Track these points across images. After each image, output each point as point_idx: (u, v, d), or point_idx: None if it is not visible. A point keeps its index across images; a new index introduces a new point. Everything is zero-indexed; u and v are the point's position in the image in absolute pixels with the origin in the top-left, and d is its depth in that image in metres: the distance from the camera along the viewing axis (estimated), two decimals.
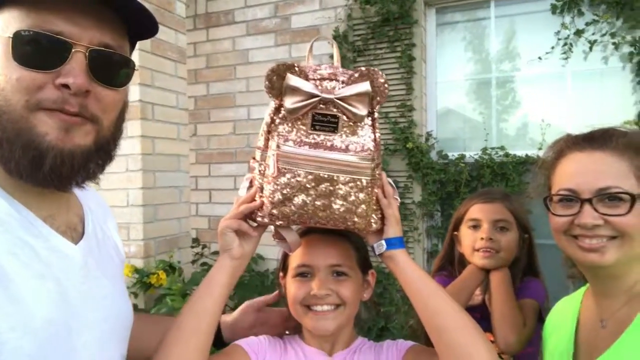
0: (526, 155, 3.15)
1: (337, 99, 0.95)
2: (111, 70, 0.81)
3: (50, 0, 0.75)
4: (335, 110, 0.96)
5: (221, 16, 3.98)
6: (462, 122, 3.60)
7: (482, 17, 3.48)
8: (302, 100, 0.95)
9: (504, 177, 3.17)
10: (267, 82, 0.98)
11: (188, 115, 3.26)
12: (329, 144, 0.96)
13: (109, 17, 0.79)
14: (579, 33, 3.12)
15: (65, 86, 0.75)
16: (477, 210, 1.59)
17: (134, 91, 2.70)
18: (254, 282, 3.43)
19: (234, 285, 1.03)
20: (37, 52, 0.74)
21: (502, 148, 3.26)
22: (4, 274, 0.71)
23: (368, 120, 0.99)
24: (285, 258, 1.17)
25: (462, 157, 3.33)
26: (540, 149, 3.11)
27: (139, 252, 2.76)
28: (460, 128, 3.60)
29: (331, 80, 0.97)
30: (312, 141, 0.96)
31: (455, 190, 3.28)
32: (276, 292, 1.27)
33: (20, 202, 0.78)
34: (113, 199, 2.75)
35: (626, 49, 3.05)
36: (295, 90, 0.95)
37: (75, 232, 0.88)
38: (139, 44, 0.95)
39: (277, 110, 0.99)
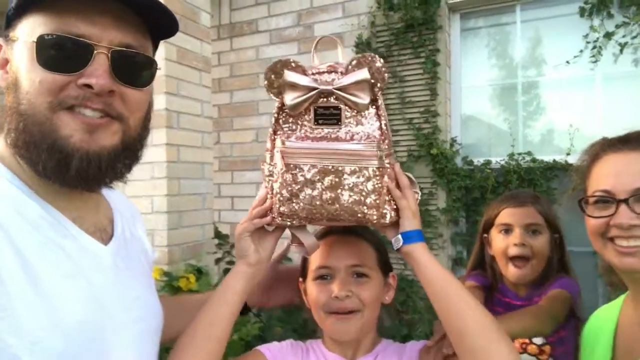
0: (554, 160, 3.08)
1: (336, 89, 0.93)
2: (134, 70, 0.81)
3: (70, 3, 0.75)
4: (336, 101, 0.95)
5: (245, 26, 4.02)
6: (487, 128, 3.54)
7: (507, 22, 3.43)
8: (302, 95, 0.94)
9: (531, 183, 3.10)
10: (266, 81, 0.97)
11: (212, 124, 3.29)
12: (333, 136, 0.95)
13: (129, 17, 0.79)
14: (608, 36, 3.04)
15: (88, 86, 0.75)
16: (507, 215, 1.59)
17: (159, 100, 2.74)
18: None
19: (249, 293, 1.01)
20: (60, 55, 0.74)
21: (529, 154, 3.19)
22: (34, 274, 0.71)
23: (372, 109, 0.96)
24: (304, 263, 1.15)
25: (488, 162, 3.27)
26: (568, 154, 3.04)
27: (164, 258, 2.78)
28: (485, 134, 3.54)
29: (330, 72, 0.96)
30: (317, 135, 0.96)
31: (482, 197, 3.21)
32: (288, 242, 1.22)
33: (49, 203, 0.79)
34: (138, 206, 2.75)
35: None
36: (293, 86, 0.94)
37: (105, 233, 0.88)
38: (165, 54, 0.96)
39: (280, 109, 0.99)
